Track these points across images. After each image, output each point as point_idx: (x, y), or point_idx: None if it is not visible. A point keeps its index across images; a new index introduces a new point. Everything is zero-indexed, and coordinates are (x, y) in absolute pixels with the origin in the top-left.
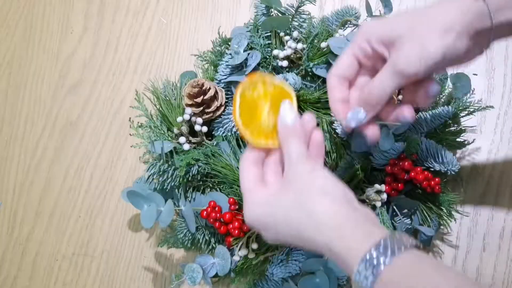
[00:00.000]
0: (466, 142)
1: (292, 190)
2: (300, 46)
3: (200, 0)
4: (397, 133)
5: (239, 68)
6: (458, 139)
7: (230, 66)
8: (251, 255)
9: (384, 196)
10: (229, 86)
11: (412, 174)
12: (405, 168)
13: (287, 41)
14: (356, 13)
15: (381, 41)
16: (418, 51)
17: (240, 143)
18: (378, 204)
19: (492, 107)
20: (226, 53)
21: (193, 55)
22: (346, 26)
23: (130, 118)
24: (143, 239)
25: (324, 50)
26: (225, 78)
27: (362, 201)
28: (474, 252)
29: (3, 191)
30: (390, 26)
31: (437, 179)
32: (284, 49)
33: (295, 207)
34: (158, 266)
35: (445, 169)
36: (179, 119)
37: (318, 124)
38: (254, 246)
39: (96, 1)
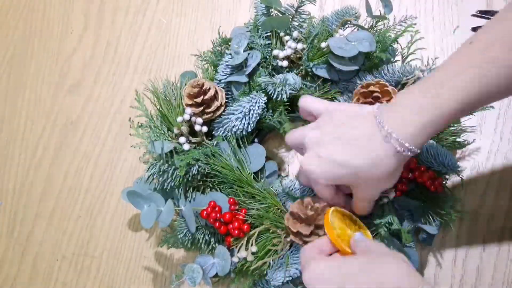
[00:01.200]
0: (466, 142)
1: (363, 257)
2: (300, 46)
3: (200, 0)
4: None
5: (239, 68)
6: (458, 139)
7: (230, 66)
8: (250, 258)
9: (392, 194)
10: (229, 86)
11: (416, 173)
12: (410, 166)
13: (287, 41)
14: (356, 13)
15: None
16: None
17: (240, 143)
18: (385, 200)
19: (492, 107)
20: (226, 53)
21: (193, 55)
22: (346, 26)
23: (130, 118)
24: (143, 239)
25: (324, 50)
26: (225, 78)
27: None
28: (474, 252)
29: (3, 191)
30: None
31: (440, 179)
32: (284, 49)
33: (365, 269)
34: (158, 266)
35: (445, 170)
36: (179, 119)
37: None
38: (254, 249)
39: (96, 1)
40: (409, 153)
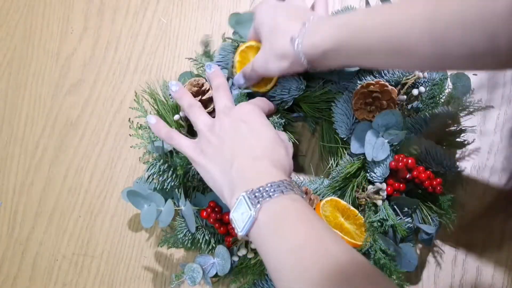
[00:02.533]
0: (466, 142)
1: None
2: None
3: (200, 0)
4: (392, 143)
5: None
6: (458, 139)
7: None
8: (250, 255)
9: (384, 193)
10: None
11: (415, 173)
12: (408, 165)
13: None
14: None
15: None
16: (263, 63)
17: None
18: (379, 202)
19: (492, 107)
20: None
21: (188, 58)
22: None
23: (129, 119)
24: (143, 239)
25: None
26: None
27: (363, 199)
28: (474, 252)
29: (3, 191)
30: (260, 20)
31: (438, 179)
32: None
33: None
34: (158, 266)
35: (444, 170)
36: (176, 116)
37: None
38: (253, 246)
39: (96, 1)
40: (300, 50)
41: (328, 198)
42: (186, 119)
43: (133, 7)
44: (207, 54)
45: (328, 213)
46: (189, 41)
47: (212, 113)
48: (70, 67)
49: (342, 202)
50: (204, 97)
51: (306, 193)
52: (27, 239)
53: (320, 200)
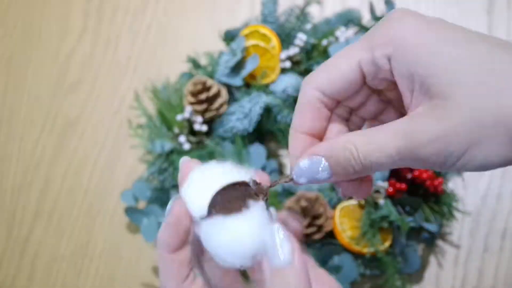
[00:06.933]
0: None
1: None
2: (304, 37)
3: (200, 0)
4: None
5: (237, 69)
6: None
7: (228, 67)
8: None
9: (383, 190)
10: (230, 86)
11: (416, 173)
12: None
13: (296, 38)
14: (358, 17)
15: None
16: (465, 145)
17: (247, 141)
18: (382, 202)
19: None
20: (225, 54)
21: (185, 62)
22: (348, 28)
23: (129, 120)
24: (143, 239)
25: (325, 46)
26: (223, 79)
27: (365, 200)
28: (475, 252)
29: (2, 191)
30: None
31: (440, 179)
32: (288, 48)
33: None
34: (158, 266)
35: (445, 170)
36: (179, 117)
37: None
38: None
39: (96, 0)
40: None
41: (339, 208)
42: (189, 120)
43: (133, 7)
44: (197, 65)
45: (346, 227)
46: (189, 41)
47: (219, 109)
48: (69, 66)
49: (351, 202)
50: (210, 94)
51: (316, 199)
52: (26, 239)
53: (333, 209)
